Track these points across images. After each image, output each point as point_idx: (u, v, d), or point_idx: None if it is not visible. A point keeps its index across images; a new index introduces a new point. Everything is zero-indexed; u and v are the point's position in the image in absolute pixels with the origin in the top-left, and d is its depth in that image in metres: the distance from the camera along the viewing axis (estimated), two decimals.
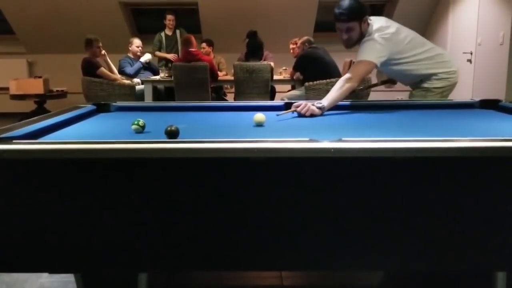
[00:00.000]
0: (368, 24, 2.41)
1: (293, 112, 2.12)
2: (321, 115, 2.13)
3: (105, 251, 1.35)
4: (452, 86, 2.63)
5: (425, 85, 2.60)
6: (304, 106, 2.10)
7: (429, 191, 1.28)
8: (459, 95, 2.72)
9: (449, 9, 6.54)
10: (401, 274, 2.07)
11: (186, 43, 5.36)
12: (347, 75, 2.29)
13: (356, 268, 1.54)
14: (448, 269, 1.38)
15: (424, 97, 2.61)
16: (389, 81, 2.85)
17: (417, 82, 2.63)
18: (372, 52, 2.34)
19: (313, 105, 2.13)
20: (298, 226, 1.31)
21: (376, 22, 2.44)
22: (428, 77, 2.58)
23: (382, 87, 3.00)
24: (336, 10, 2.38)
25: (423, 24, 7.28)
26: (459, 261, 1.33)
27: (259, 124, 1.89)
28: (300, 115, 2.11)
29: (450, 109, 2.35)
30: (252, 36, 5.49)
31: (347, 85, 2.25)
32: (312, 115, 2.10)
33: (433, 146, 1.27)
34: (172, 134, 1.56)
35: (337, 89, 2.24)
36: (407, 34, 2.52)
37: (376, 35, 2.37)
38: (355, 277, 2.20)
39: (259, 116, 1.91)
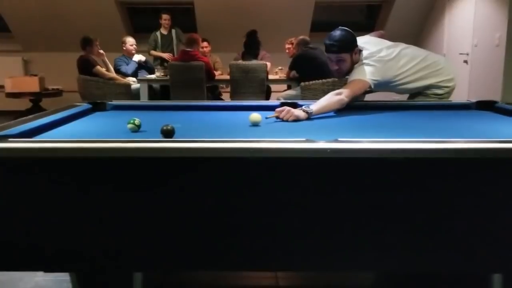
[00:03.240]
0: (360, 53, 2.39)
1: (276, 117, 2.05)
2: (309, 119, 2.07)
3: (100, 250, 1.34)
4: (450, 93, 2.62)
5: (424, 92, 2.59)
6: (287, 112, 2.03)
7: (424, 192, 1.28)
8: (455, 96, 2.71)
9: (445, 10, 6.56)
10: (396, 275, 2.08)
11: (192, 43, 5.21)
12: (339, 90, 2.26)
13: (351, 268, 1.54)
14: (443, 270, 1.39)
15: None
16: None
17: (416, 94, 2.62)
18: (364, 74, 2.31)
19: (301, 108, 2.09)
20: (293, 226, 1.31)
21: (366, 48, 2.41)
22: (426, 88, 2.56)
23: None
24: (327, 41, 2.34)
25: (419, 25, 7.31)
26: (454, 263, 1.34)
27: (255, 124, 1.89)
28: (283, 120, 2.03)
29: (446, 110, 2.35)
30: (250, 35, 5.48)
31: (337, 98, 2.19)
32: (296, 120, 2.03)
33: (429, 148, 1.27)
34: (168, 134, 1.55)
35: (327, 99, 2.20)
36: (399, 50, 2.47)
37: (366, 61, 2.35)
38: (349, 278, 2.20)
39: (255, 116, 1.90)
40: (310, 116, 2.08)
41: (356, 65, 2.37)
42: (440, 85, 2.56)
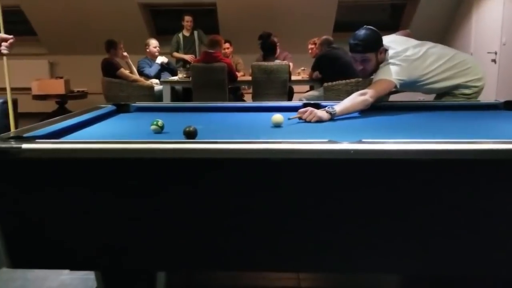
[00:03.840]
0: (385, 52, 2.35)
1: (299, 118, 2.04)
2: (332, 120, 2.05)
3: (125, 249, 1.36)
4: (479, 93, 2.56)
5: (452, 92, 2.54)
6: (310, 113, 2.02)
7: (449, 194, 1.25)
8: (483, 95, 2.64)
9: (472, 8, 6.43)
10: (419, 278, 2.04)
11: (214, 44, 5.22)
12: (364, 90, 2.23)
13: (374, 270, 1.52)
14: (468, 274, 1.36)
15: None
16: None
17: (444, 94, 2.57)
18: (389, 73, 2.27)
19: (324, 109, 2.07)
20: (316, 227, 1.30)
21: (391, 47, 2.38)
22: (454, 88, 2.51)
23: None
24: (351, 41, 2.31)
25: (445, 23, 7.17)
26: (480, 266, 1.31)
27: (277, 125, 1.88)
28: (306, 120, 2.02)
29: (473, 111, 2.30)
30: (264, 37, 5.48)
31: (362, 98, 2.17)
32: (319, 121, 2.01)
33: (456, 148, 1.24)
34: (190, 135, 1.56)
35: (351, 99, 2.17)
36: (426, 49, 2.43)
37: (392, 60, 2.31)
38: (371, 280, 2.17)
39: (277, 117, 1.89)
40: (333, 117, 2.06)
41: (381, 65, 2.34)
42: (468, 84, 2.50)
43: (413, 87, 2.48)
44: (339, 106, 2.11)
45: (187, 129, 1.57)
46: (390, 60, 2.32)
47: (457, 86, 2.50)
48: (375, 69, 2.36)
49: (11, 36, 2.37)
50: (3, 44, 2.33)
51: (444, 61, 2.44)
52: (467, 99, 2.51)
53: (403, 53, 2.35)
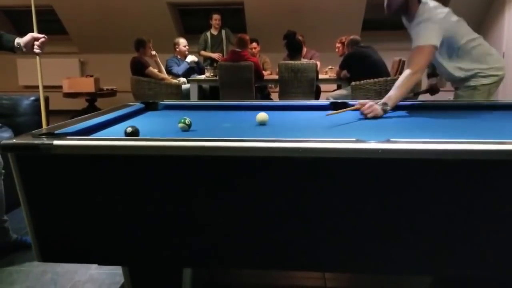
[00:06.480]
0: (419, 3, 2.32)
1: (355, 109, 2.02)
2: (366, 118, 2.03)
3: (152, 245, 1.38)
4: (499, 82, 2.53)
5: (472, 83, 2.51)
6: (369, 107, 1.98)
7: (480, 195, 1.23)
8: None
9: (505, 6, 6.26)
10: (450, 281, 2.00)
11: (241, 43, 5.26)
12: (408, 70, 2.18)
13: (403, 272, 1.50)
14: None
15: (472, 96, 2.52)
16: (434, 90, 2.85)
17: (463, 81, 2.54)
18: (427, 34, 2.22)
19: (376, 103, 2.04)
20: (343, 227, 1.29)
21: (427, 3, 2.36)
22: (473, 76, 2.49)
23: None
24: None
25: (477, 22, 6.97)
26: None
27: (262, 123, 1.85)
28: (363, 115, 2.00)
29: (503, 110, 2.24)
30: (289, 37, 5.46)
31: (412, 79, 2.13)
32: (375, 117, 1.99)
33: (486, 149, 1.22)
34: (132, 134, 1.55)
35: (401, 86, 2.13)
36: (459, 18, 2.44)
37: (427, 15, 2.27)
38: (399, 281, 2.14)
39: (262, 115, 1.85)
40: (386, 113, 2.04)
41: (415, 21, 2.30)
42: (488, 73, 2.48)
43: (445, 56, 2.45)
44: (391, 100, 2.08)
45: (129, 130, 1.55)
46: (425, 16, 2.27)
47: (476, 75, 2.47)
48: (401, 9, 2.35)
49: (42, 35, 2.40)
50: (35, 43, 2.37)
51: (475, 37, 2.47)
52: (487, 90, 2.47)
53: (439, 8, 2.35)
